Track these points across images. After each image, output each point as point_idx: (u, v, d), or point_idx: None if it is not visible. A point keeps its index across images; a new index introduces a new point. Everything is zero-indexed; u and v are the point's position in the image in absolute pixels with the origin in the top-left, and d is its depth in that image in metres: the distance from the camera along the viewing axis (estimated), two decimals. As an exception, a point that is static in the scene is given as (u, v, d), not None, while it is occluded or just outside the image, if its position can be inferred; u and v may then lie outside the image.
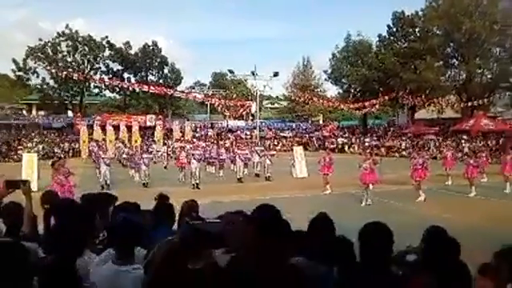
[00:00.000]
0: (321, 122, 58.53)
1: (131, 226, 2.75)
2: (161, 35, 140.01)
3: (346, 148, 43.45)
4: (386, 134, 46.05)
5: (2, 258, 2.19)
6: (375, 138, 43.59)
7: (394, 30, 45.46)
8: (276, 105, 73.84)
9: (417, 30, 43.71)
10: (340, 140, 45.83)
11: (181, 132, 44.08)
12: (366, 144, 40.77)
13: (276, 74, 42.20)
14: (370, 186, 14.83)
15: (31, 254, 2.55)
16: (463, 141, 34.34)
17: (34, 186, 16.96)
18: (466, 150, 29.52)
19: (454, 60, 40.96)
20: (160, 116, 46.90)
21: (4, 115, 48.92)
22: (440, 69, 39.85)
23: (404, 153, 35.71)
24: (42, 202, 3.99)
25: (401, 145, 39.12)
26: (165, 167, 27.56)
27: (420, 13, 42.79)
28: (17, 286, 2.19)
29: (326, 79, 54.36)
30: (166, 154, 30.72)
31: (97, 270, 2.71)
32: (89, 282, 2.62)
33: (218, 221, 1.81)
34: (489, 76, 38.81)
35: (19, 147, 36.69)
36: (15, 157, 33.44)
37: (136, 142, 37.50)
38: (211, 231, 1.75)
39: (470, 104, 37.80)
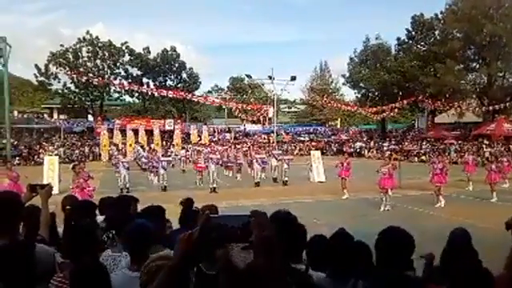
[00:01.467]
0: (338, 126, 58.22)
1: (143, 232, 2.73)
2: (179, 40, 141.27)
3: (365, 152, 43.05)
4: (405, 138, 45.56)
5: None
6: (394, 143, 43.14)
7: (413, 33, 45.05)
8: (293, 109, 73.69)
9: (436, 33, 43.24)
10: (358, 144, 45.48)
11: (198, 136, 44.37)
12: (385, 148, 40.38)
13: (293, 78, 42.10)
14: (389, 191, 14.68)
15: (42, 256, 2.60)
16: (484, 145, 33.75)
17: (55, 189, 17.29)
18: (487, 154, 29.03)
19: (475, 63, 40.33)
20: (178, 120, 47.29)
21: (26, 119, 49.96)
22: (460, 72, 39.26)
23: (424, 157, 35.25)
24: (63, 205, 4.04)
25: (420, 149, 38.61)
26: (183, 171, 27.78)
27: (439, 16, 42.34)
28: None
29: (343, 83, 54.19)
30: (184, 158, 30.95)
31: (114, 276, 2.73)
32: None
33: (241, 214, 1.81)
34: (510, 79, 38.10)
35: (41, 151, 37.40)
36: (37, 160, 34.08)
37: (157, 145, 37.86)
38: (231, 225, 1.75)
39: (491, 108, 37.12)
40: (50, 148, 38.83)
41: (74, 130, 48.14)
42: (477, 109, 39.87)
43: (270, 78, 41.24)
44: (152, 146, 36.21)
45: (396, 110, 44.16)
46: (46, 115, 57.42)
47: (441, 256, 2.92)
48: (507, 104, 36.61)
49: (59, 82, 48.67)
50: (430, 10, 44.74)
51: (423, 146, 39.07)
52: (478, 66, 39.96)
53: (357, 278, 2.67)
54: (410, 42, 45.62)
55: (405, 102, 42.53)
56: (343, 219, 11.41)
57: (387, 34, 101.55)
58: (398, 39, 46.55)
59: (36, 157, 35.82)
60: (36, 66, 48.02)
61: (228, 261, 1.78)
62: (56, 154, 30.18)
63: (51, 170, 18.89)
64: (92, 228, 3.07)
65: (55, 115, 57.20)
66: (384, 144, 43.01)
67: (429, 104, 41.75)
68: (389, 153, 20.38)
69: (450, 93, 39.86)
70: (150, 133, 41.73)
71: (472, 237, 2.98)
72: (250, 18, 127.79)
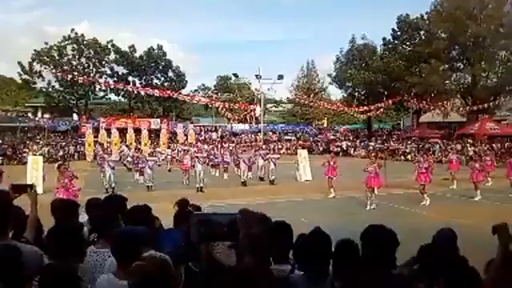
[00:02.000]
0: (325, 125, 58.49)
1: (131, 239, 2.62)
2: (165, 39, 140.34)
3: (352, 151, 43.29)
4: (391, 137, 45.97)
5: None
6: (380, 142, 43.49)
7: (399, 33, 45.46)
8: (280, 108, 73.80)
9: (421, 33, 43.67)
10: (344, 143, 45.72)
11: (185, 135, 44.19)
12: (371, 147, 40.67)
13: (280, 77, 42.26)
14: (375, 190, 14.81)
15: (30, 257, 2.55)
16: (468, 144, 34.20)
17: (39, 189, 17.07)
18: (471, 153, 29.41)
19: (459, 63, 40.80)
20: (164, 119, 47.00)
21: (9, 118, 49.20)
22: (445, 72, 39.70)
23: (409, 156, 35.60)
24: (53, 208, 3.92)
25: (406, 148, 38.98)
26: (169, 170, 27.63)
27: (425, 16, 42.75)
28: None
29: (330, 83, 54.51)
30: (170, 157, 30.79)
31: (99, 281, 2.67)
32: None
33: (229, 212, 1.79)
34: (494, 79, 38.63)
35: (24, 150, 36.85)
36: (21, 159, 33.59)
37: (145, 145, 37.57)
38: (220, 222, 1.73)
39: (475, 108, 37.62)
40: (34, 147, 38.27)
41: (58, 129, 47.56)
42: (461, 108, 40.34)
43: (257, 76, 41.29)
44: (140, 146, 35.97)
45: (382, 110, 44.53)
46: (30, 114, 56.63)
47: (419, 253, 2.94)
48: (490, 104, 37.16)
49: (43, 81, 48.23)
50: (416, 10, 45.16)
51: (408, 145, 39.45)
52: (462, 66, 40.45)
53: (334, 277, 2.68)
54: (396, 42, 46.03)
55: (390, 101, 42.90)
56: (330, 218, 11.45)
57: (373, 33, 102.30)
58: (384, 39, 46.96)
59: (20, 156, 35.29)
60: (20, 63, 47.40)
61: (211, 257, 1.76)
62: (40, 154, 29.78)
63: (35, 169, 18.63)
64: (76, 229, 3.02)
65: (39, 114, 56.46)
66: (370, 143, 43.33)
67: (414, 104, 42.18)
68: (373, 154, 20.44)
69: (435, 93, 40.29)
70: (137, 132, 41.40)
71: (457, 235, 3.01)
72: (236, 16, 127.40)
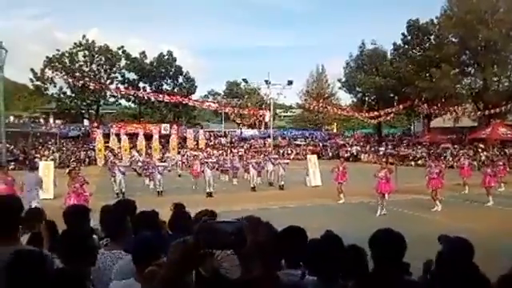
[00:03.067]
0: (335, 130, 58.35)
1: (150, 245, 2.70)
2: (175, 45, 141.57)
3: (363, 157, 43.07)
4: (401, 142, 45.66)
5: (20, 265, 2.23)
6: (390, 147, 43.22)
7: (409, 38, 45.24)
8: (290, 113, 73.84)
9: (432, 38, 43.44)
10: (354, 148, 45.53)
11: (195, 141, 44.34)
12: (381, 153, 40.45)
13: (290, 83, 42.26)
14: (386, 196, 14.69)
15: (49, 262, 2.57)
16: (480, 149, 33.86)
17: (50, 194, 17.26)
18: (483, 158, 29.12)
19: (470, 68, 40.47)
20: (174, 125, 47.20)
21: (22, 124, 49.76)
22: (456, 77, 39.40)
23: (420, 162, 35.34)
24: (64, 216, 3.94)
25: (416, 153, 38.70)
26: (179, 175, 27.73)
27: (435, 21, 42.54)
28: None
29: (340, 88, 54.35)
30: (180, 163, 30.90)
31: (116, 285, 2.70)
32: None
33: (236, 220, 1.77)
34: (506, 84, 38.25)
35: (36, 155, 37.19)
36: (32, 165, 33.86)
37: (156, 150, 37.79)
38: (226, 230, 1.71)
39: (486, 112, 37.27)
40: (46, 153, 38.64)
41: (69, 135, 47.94)
42: (472, 113, 40.01)
43: (267, 82, 41.35)
44: (150, 151, 36.16)
45: (392, 115, 44.32)
46: (41, 120, 57.26)
47: (436, 260, 2.91)
48: (502, 108, 36.79)
49: (55, 87, 48.68)
50: (426, 15, 44.95)
51: (419, 151, 39.17)
52: (473, 71, 40.12)
53: (346, 280, 2.66)
54: (406, 46, 45.80)
55: (401, 106, 42.69)
56: (339, 223, 11.39)
57: (383, 38, 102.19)
58: (394, 44, 46.74)
59: (31, 161, 35.60)
60: (32, 70, 47.98)
61: (213, 270, 1.75)
62: (51, 159, 30.05)
63: (46, 175, 18.75)
64: (88, 233, 3.04)
65: (51, 120, 57.04)
66: (380, 148, 43.08)
67: (424, 108, 41.93)
68: (384, 159, 20.29)
69: (446, 97, 40.02)
70: (147, 137, 41.64)
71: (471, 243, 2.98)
72: (246, 22, 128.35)
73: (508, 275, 2.88)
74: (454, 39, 39.42)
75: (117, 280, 2.73)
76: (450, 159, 33.85)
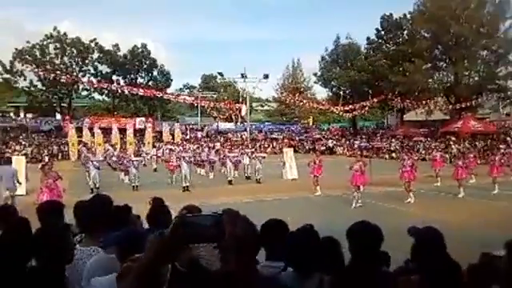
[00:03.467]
0: (311, 124, 58.76)
1: (133, 240, 2.68)
2: (149, 38, 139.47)
3: (338, 150, 43.51)
4: (376, 135, 46.34)
5: None
6: (365, 140, 43.81)
7: (383, 32, 45.89)
8: (266, 107, 73.94)
9: (405, 32, 44.19)
10: (330, 142, 45.97)
11: (170, 134, 43.95)
12: (356, 146, 40.96)
13: (266, 77, 42.30)
14: (361, 188, 14.93)
15: None
16: (452, 142, 34.66)
17: (22, 190, 16.84)
18: (454, 151, 29.81)
19: (442, 62, 41.32)
20: (149, 118, 46.66)
21: (-9, 118, 48.36)
22: (428, 71, 40.20)
23: (393, 154, 35.96)
24: (38, 213, 3.86)
25: (390, 146, 39.35)
26: (154, 170, 27.47)
27: (408, 16, 43.27)
28: None
29: (315, 82, 54.67)
30: (155, 157, 30.58)
31: (98, 281, 2.66)
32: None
33: (214, 213, 1.77)
34: (476, 78, 39.20)
35: (7, 150, 36.24)
36: (3, 159, 33.00)
37: (131, 144, 37.31)
38: (204, 224, 1.70)
39: (458, 106, 38.17)
40: (17, 147, 37.69)
41: (41, 129, 46.82)
42: (444, 107, 40.90)
43: (243, 76, 41.26)
44: (125, 145, 35.71)
45: (366, 109, 44.91)
46: (12, 114, 55.72)
47: (410, 252, 2.98)
48: (473, 102, 37.75)
49: (25, 80, 47.30)
50: (399, 10, 45.61)
51: (393, 144, 39.85)
52: (445, 65, 40.97)
53: (322, 273, 2.70)
54: (380, 41, 46.44)
55: (375, 100, 43.29)
56: (316, 216, 11.50)
57: (358, 33, 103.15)
58: (368, 38, 47.31)
59: (2, 156, 34.68)
60: (0, 62, 46.52)
61: (193, 261, 1.75)
62: (23, 154, 29.33)
63: (18, 170, 18.30)
64: (63, 230, 2.99)
65: (22, 114, 55.57)
66: (355, 141, 43.62)
67: (398, 102, 42.67)
68: (358, 152, 20.53)
69: (419, 91, 40.78)
70: (122, 131, 41.04)
71: (441, 231, 3.05)
72: (222, 16, 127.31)
73: (477, 264, 2.98)
74: (426, 34, 40.16)
75: (97, 276, 2.70)
76: (423, 152, 34.55)
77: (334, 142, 45.67)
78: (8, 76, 47.18)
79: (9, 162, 17.83)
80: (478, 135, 35.89)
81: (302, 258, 2.69)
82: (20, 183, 15.19)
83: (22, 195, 15.67)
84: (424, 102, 39.92)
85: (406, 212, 13.24)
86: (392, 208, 14.07)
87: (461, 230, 9.67)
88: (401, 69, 41.87)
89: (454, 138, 35.72)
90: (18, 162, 19.23)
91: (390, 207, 14.23)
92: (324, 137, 49.48)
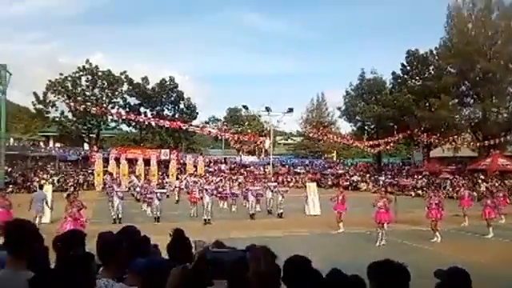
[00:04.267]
0: (334, 158, 58.37)
1: (159, 271, 2.69)
2: (176, 70, 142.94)
3: (362, 186, 42.84)
4: (401, 172, 45.59)
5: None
6: (390, 176, 43.12)
7: (408, 68, 45.78)
8: (290, 141, 74.01)
9: (431, 68, 43.97)
10: (354, 178, 45.41)
11: (194, 166, 44.25)
12: (381, 182, 40.32)
13: (290, 110, 42.45)
14: (385, 226, 14.58)
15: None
16: (480, 180, 33.77)
17: (47, 218, 17.11)
18: (482, 189, 28.99)
19: (469, 98, 40.85)
20: (174, 150, 47.22)
21: (22, 147, 49.80)
22: (455, 107, 39.73)
23: (419, 192, 35.19)
24: (54, 243, 3.90)
25: (416, 183, 38.57)
26: (176, 201, 27.54)
27: (434, 51, 43.18)
28: None
29: (339, 116, 54.59)
30: (178, 189, 30.73)
31: None
32: None
33: (239, 249, 1.76)
34: (505, 115, 38.51)
35: (35, 178, 37.09)
36: (30, 188, 33.75)
37: (154, 176, 37.72)
38: (228, 259, 1.69)
39: (486, 143, 37.36)
40: (45, 176, 38.55)
41: (68, 159, 47.94)
42: (472, 143, 40.10)
43: (267, 109, 41.56)
44: (149, 176, 36.07)
45: (391, 144, 44.41)
46: (41, 143, 57.33)
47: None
48: (502, 139, 36.92)
49: (57, 110, 48.91)
50: (425, 45, 45.64)
51: (419, 180, 39.06)
52: (472, 101, 40.48)
53: None
54: (405, 76, 46.30)
55: (400, 135, 42.83)
56: (338, 253, 11.28)
57: (383, 68, 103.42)
58: (393, 73, 47.26)
59: (30, 185, 35.50)
60: (34, 93, 48.29)
61: None
62: (50, 183, 29.95)
63: (44, 198, 18.67)
64: (87, 259, 2.99)
65: (51, 143, 57.12)
66: (380, 178, 42.97)
67: (424, 138, 42.05)
68: (383, 188, 20.13)
69: (445, 127, 40.22)
70: (146, 162, 41.60)
71: (468, 272, 2.94)
72: (248, 50, 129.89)
73: None
74: (452, 70, 39.91)
75: None
76: (450, 190, 33.72)
77: (359, 178, 45.08)
78: (41, 106, 48.84)
79: (40, 188, 18.89)
80: (507, 173, 34.91)
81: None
82: (49, 207, 17.39)
83: (45, 223, 15.91)
84: (451, 138, 39.22)
85: (432, 251, 12.82)
86: (417, 247, 13.66)
87: (489, 271, 9.29)
88: (427, 104, 41.50)
89: (482, 176, 34.83)
90: (47, 190, 19.68)
91: (414, 246, 13.82)
92: (348, 172, 48.97)
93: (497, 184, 31.38)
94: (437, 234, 14.62)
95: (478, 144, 39.01)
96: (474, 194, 26.02)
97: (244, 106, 48.78)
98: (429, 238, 14.54)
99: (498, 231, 15.83)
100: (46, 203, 17.07)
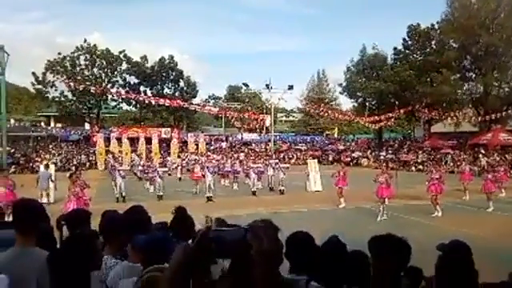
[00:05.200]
0: (336, 135, 58.36)
1: (160, 246, 2.72)
2: (176, 49, 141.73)
3: (363, 162, 42.94)
4: (402, 147, 45.62)
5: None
6: (391, 152, 43.17)
7: (410, 43, 45.31)
8: (290, 118, 73.89)
9: (433, 42, 43.50)
10: (355, 153, 45.48)
11: (195, 145, 44.33)
12: (382, 158, 40.41)
13: (291, 87, 42.32)
14: (386, 201, 14.69)
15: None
16: (481, 155, 33.81)
17: (50, 198, 17.28)
18: (483, 164, 29.05)
19: (471, 73, 40.53)
20: (175, 129, 47.23)
21: (22, 127, 49.84)
22: (456, 82, 39.42)
23: (420, 167, 35.30)
24: (58, 221, 3.93)
25: (417, 159, 38.65)
26: (179, 179, 27.72)
27: (436, 26, 42.63)
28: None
29: (340, 92, 54.29)
30: (180, 167, 30.86)
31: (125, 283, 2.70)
32: None
33: (241, 227, 1.77)
34: (506, 89, 38.27)
35: (37, 159, 37.23)
36: (33, 168, 33.92)
37: (156, 154, 37.83)
38: (230, 238, 1.71)
39: (487, 117, 37.23)
40: (47, 156, 38.66)
41: (70, 139, 48.02)
42: (473, 118, 39.96)
43: (268, 86, 41.40)
44: (150, 155, 36.17)
45: (393, 120, 44.31)
46: (42, 123, 57.33)
47: (436, 266, 2.91)
48: (503, 114, 36.79)
49: (56, 90, 48.71)
50: (427, 20, 44.83)
51: (420, 156, 39.13)
52: (474, 76, 40.18)
53: (350, 286, 2.65)
54: (407, 51, 45.86)
55: (401, 111, 42.68)
56: (340, 228, 11.35)
57: (384, 43, 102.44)
58: (395, 49, 46.80)
59: (32, 165, 35.65)
60: (33, 73, 48.00)
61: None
62: (52, 163, 30.06)
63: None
64: (92, 237, 3.03)
65: (52, 123, 57.12)
66: (381, 153, 43.02)
67: (425, 113, 41.93)
68: (384, 164, 20.15)
69: (447, 102, 40.05)
70: (148, 141, 41.67)
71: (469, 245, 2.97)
72: (247, 27, 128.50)
73: (507, 282, 2.88)
74: (454, 44, 39.51)
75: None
76: (451, 164, 33.83)
77: (360, 154, 45.16)
78: (40, 87, 48.64)
79: (46, 167, 19.83)
80: (508, 148, 34.91)
81: (330, 271, 2.66)
82: (54, 186, 18.25)
83: (49, 203, 16.06)
84: (452, 113, 39.08)
85: (433, 226, 12.94)
86: (418, 221, 13.79)
87: (489, 245, 9.40)
88: (428, 79, 41.21)
89: (483, 151, 34.84)
90: (50, 169, 19.86)
91: (416, 220, 13.95)
92: (349, 148, 49.01)
93: (497, 158, 31.45)
94: (437, 208, 14.74)
95: (479, 119, 38.90)
96: (475, 168, 26.07)
97: (244, 84, 48.79)
98: (430, 213, 14.67)
99: (497, 205, 15.95)
100: (52, 181, 18.26)
